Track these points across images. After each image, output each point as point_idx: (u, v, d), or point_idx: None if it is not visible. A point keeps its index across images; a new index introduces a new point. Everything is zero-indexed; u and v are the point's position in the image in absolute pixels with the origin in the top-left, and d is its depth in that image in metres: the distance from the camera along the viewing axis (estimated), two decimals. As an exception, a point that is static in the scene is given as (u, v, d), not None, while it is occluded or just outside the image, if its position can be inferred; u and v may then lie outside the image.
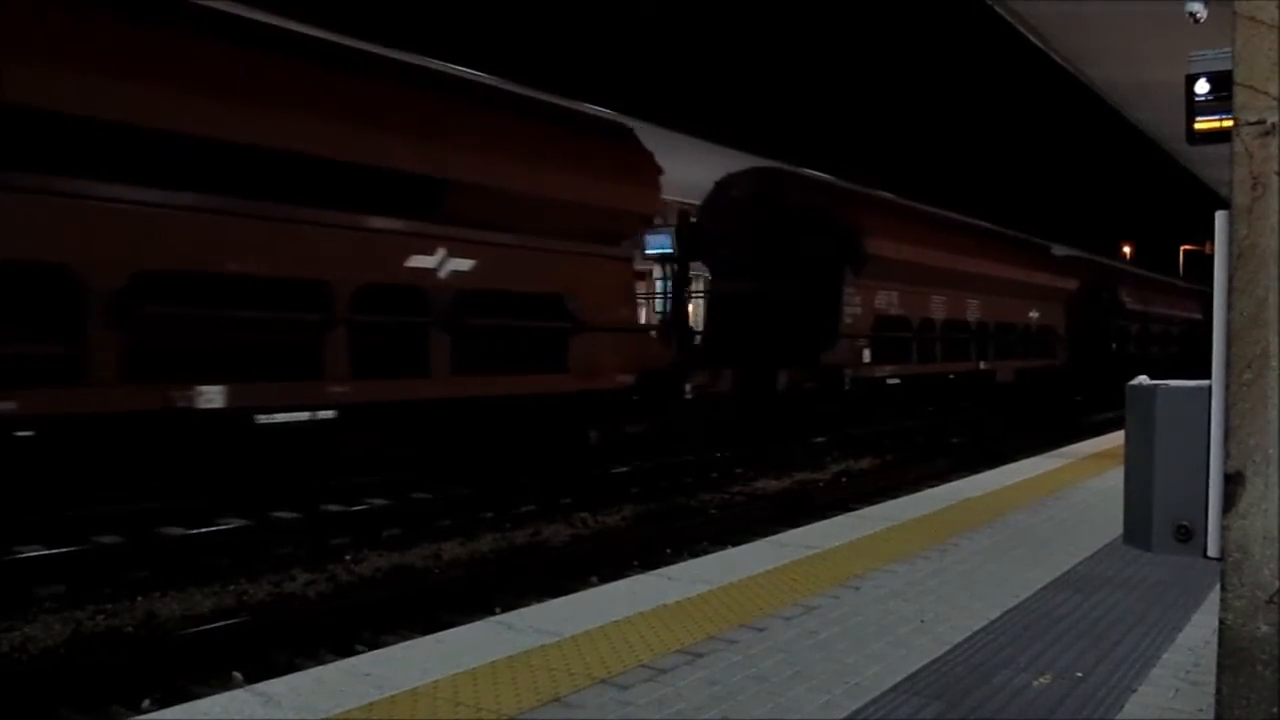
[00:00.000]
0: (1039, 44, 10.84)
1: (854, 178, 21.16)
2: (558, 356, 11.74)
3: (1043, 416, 23.02)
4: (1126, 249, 53.52)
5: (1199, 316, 41.93)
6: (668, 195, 14.33)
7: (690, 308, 18.25)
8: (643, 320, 16.37)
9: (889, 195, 21.62)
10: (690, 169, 16.70)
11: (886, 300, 18.02)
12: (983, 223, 24.98)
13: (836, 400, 16.82)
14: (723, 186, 17.71)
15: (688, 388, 14.38)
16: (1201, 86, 5.86)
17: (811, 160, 21.66)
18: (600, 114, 14.68)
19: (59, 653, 6.03)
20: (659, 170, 13.19)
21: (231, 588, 7.42)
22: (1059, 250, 30.16)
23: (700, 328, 18.07)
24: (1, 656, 5.95)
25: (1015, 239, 25.65)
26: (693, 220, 17.15)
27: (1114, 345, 30.21)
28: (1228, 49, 2.25)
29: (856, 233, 16.87)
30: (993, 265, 22.06)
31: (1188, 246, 52.87)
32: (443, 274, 10.33)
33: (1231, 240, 2.20)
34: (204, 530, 8.37)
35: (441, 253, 10.29)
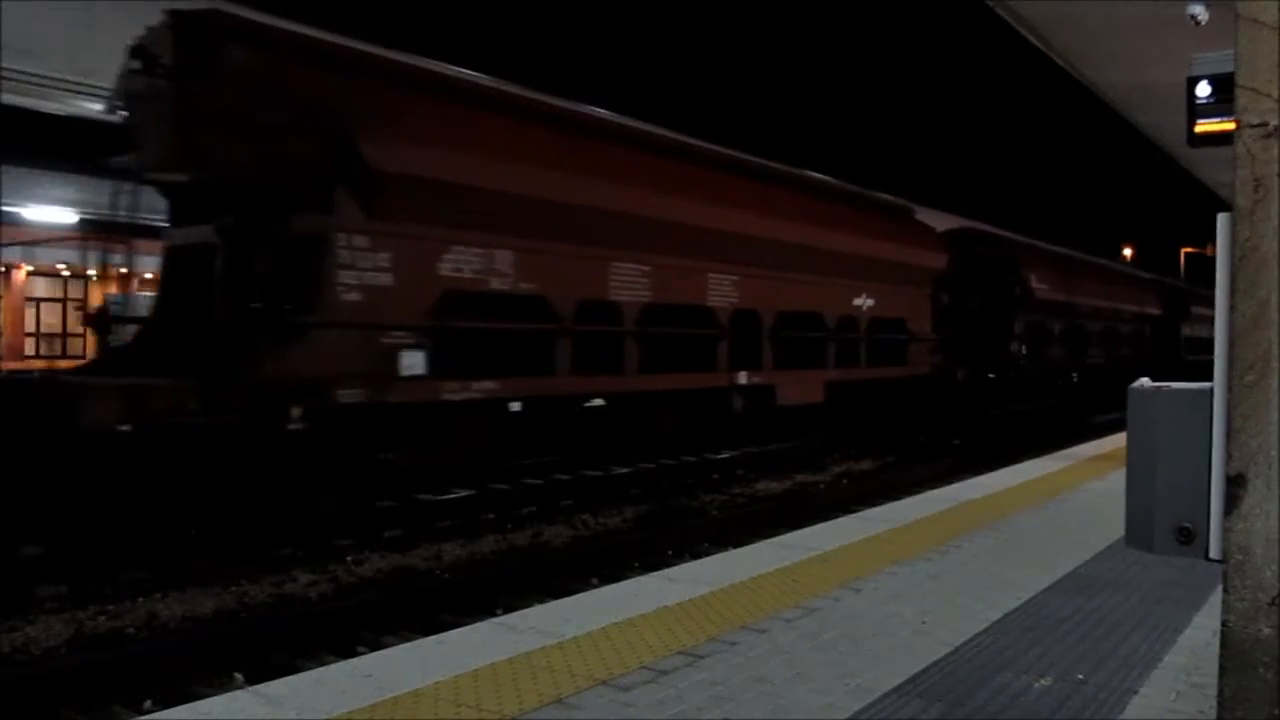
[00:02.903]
0: (1040, 46, 10.85)
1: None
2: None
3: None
4: (1127, 251, 53.49)
5: (1157, 312, 36.30)
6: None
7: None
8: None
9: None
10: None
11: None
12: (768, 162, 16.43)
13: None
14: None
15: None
16: (1203, 89, 5.88)
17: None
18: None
19: (60, 653, 6.04)
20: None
21: (233, 588, 7.43)
22: (931, 217, 21.85)
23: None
24: (3, 657, 5.95)
25: (826, 186, 17.71)
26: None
27: (1021, 348, 23.08)
28: (1229, 51, 2.25)
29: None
30: (762, 220, 14.09)
31: (1189, 249, 52.87)
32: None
33: (1233, 242, 2.20)
34: (204, 532, 8.37)
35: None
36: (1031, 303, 23.56)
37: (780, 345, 14.44)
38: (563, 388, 10.93)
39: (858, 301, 16.81)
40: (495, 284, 9.97)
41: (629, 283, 11.83)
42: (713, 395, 13.27)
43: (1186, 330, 39.35)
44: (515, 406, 10.22)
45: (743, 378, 13.62)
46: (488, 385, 9.86)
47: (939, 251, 19.90)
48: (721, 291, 13.32)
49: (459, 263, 9.62)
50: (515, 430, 10.49)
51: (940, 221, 22.54)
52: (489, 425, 10.13)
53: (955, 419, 20.10)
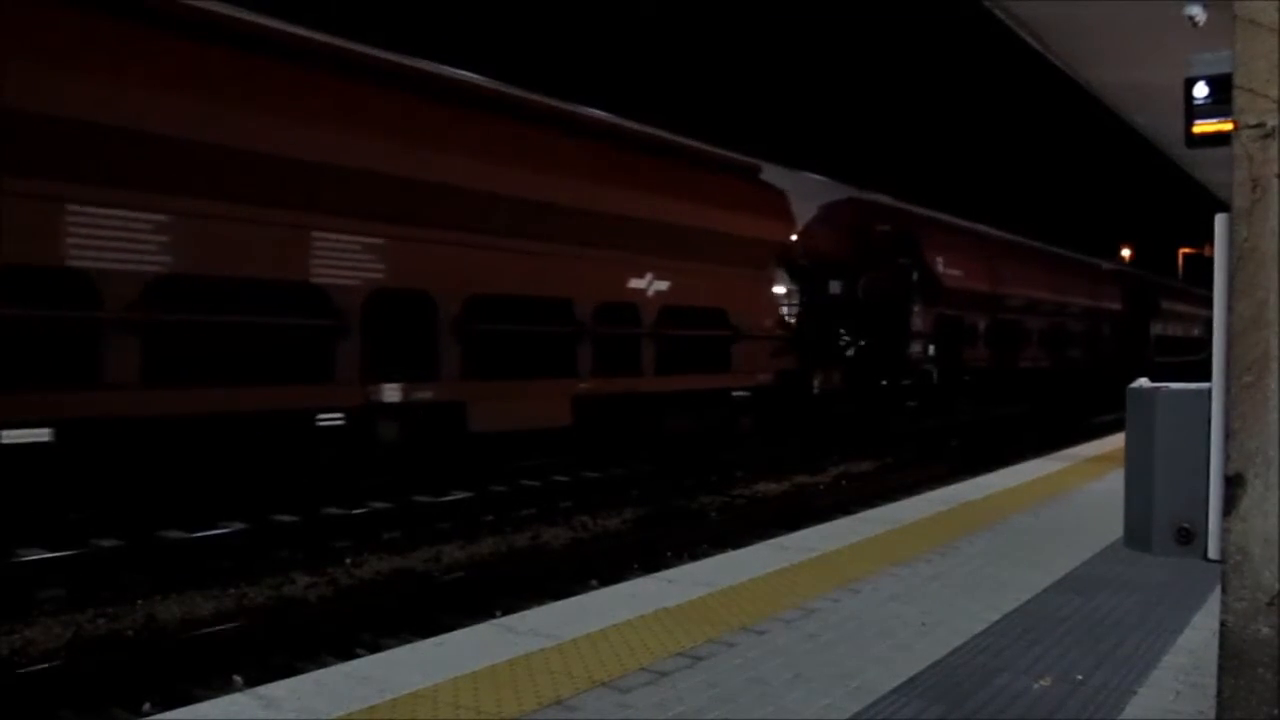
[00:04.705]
0: (1037, 46, 10.85)
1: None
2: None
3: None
4: (1126, 252, 53.49)
5: (1119, 307, 31.71)
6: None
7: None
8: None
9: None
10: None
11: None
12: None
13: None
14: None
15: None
16: (1200, 90, 5.88)
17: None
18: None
19: (60, 656, 6.03)
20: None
21: (231, 591, 7.42)
22: (805, 183, 17.39)
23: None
24: (2, 659, 5.94)
25: (597, 124, 12.49)
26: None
27: (926, 348, 18.59)
28: (1226, 52, 2.26)
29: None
30: (440, 158, 10.04)
31: (1187, 249, 52.87)
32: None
33: (1231, 243, 2.20)
34: (204, 534, 8.37)
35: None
36: (940, 292, 18.86)
37: (477, 344, 10.30)
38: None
39: (638, 284, 12.36)
40: None
41: (119, 243, 7.45)
42: (312, 423, 8.86)
43: (1158, 329, 35.41)
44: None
45: (392, 393, 9.37)
46: None
47: (784, 222, 15.23)
48: (343, 262, 9.01)
49: None
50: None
51: (821, 190, 18.18)
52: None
53: (821, 436, 15.83)
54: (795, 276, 16.21)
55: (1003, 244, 24.56)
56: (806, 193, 17.27)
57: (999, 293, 22.10)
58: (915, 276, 18.28)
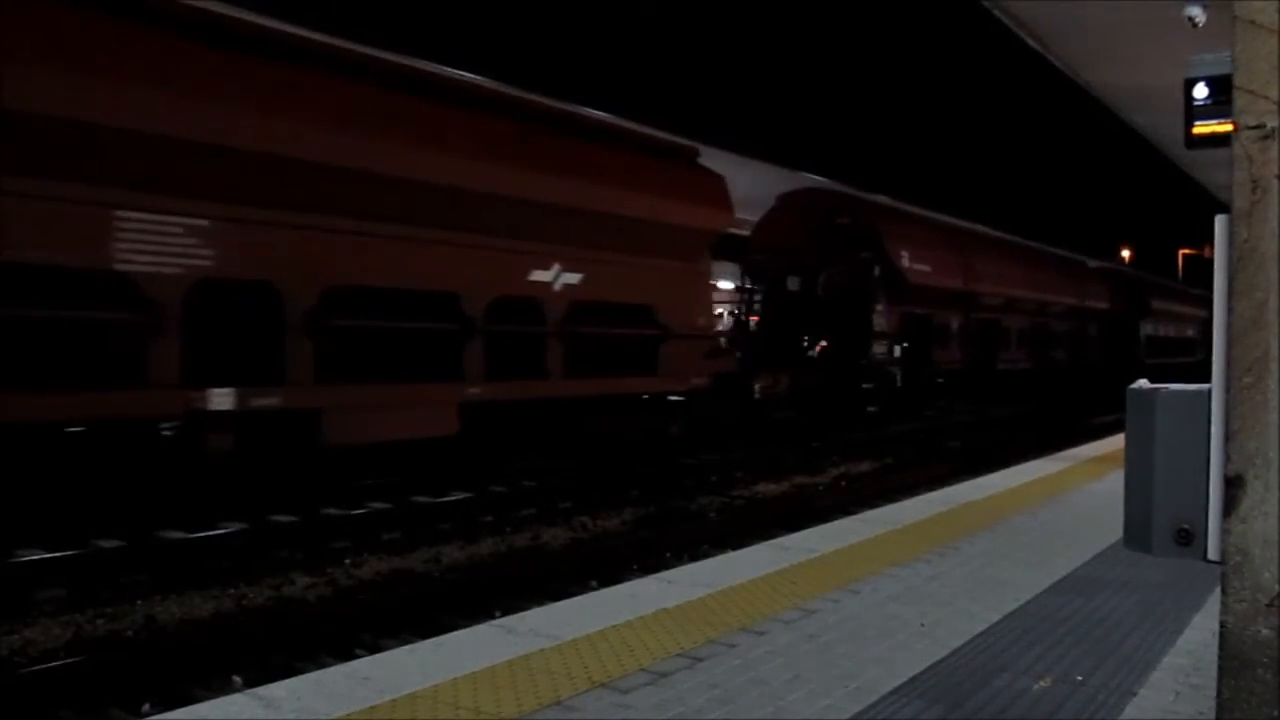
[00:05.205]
0: (1037, 48, 10.85)
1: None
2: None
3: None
4: (1126, 252, 53.51)
5: (1106, 306, 29.82)
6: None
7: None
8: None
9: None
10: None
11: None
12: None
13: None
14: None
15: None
16: (1200, 90, 5.88)
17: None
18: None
19: (59, 656, 6.03)
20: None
21: (231, 591, 7.42)
22: (760, 171, 16.55)
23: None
24: (2, 660, 5.94)
25: (494, 97, 11.34)
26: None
27: (892, 349, 17.43)
28: (1226, 52, 2.26)
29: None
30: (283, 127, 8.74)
31: (1187, 250, 52.91)
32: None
33: (1231, 244, 2.20)
34: (203, 534, 8.37)
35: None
36: (906, 289, 17.60)
37: (336, 343, 9.05)
38: None
39: (542, 276, 11.03)
40: None
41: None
42: (125, 432, 7.73)
43: (1149, 329, 33.79)
44: None
45: (222, 400, 8.16)
46: None
47: (720, 210, 13.69)
48: (158, 247, 7.82)
49: None
50: None
51: (781, 180, 17.29)
52: None
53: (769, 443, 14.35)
54: (751, 272, 15.28)
55: (979, 239, 23.14)
56: (764, 182, 16.28)
57: (974, 290, 20.78)
58: (877, 272, 17.03)
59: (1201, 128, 5.74)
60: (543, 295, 11.15)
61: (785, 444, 15.35)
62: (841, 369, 16.56)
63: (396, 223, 9.48)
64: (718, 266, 14.53)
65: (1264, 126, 2.14)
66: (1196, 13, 8.08)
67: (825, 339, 16.33)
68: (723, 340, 14.42)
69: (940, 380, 20.07)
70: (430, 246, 9.84)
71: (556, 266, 11.16)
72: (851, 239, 16.73)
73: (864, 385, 17.09)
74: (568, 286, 11.34)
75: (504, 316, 10.66)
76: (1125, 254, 53.23)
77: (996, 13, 9.65)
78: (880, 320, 17.21)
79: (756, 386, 14.75)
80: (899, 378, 17.62)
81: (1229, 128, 2.20)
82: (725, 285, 15.01)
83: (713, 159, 14.31)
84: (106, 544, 7.95)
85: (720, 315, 14.83)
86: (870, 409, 17.36)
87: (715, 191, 13.61)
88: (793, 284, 15.82)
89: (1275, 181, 2.13)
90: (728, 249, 14.68)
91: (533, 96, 12.17)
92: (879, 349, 17.25)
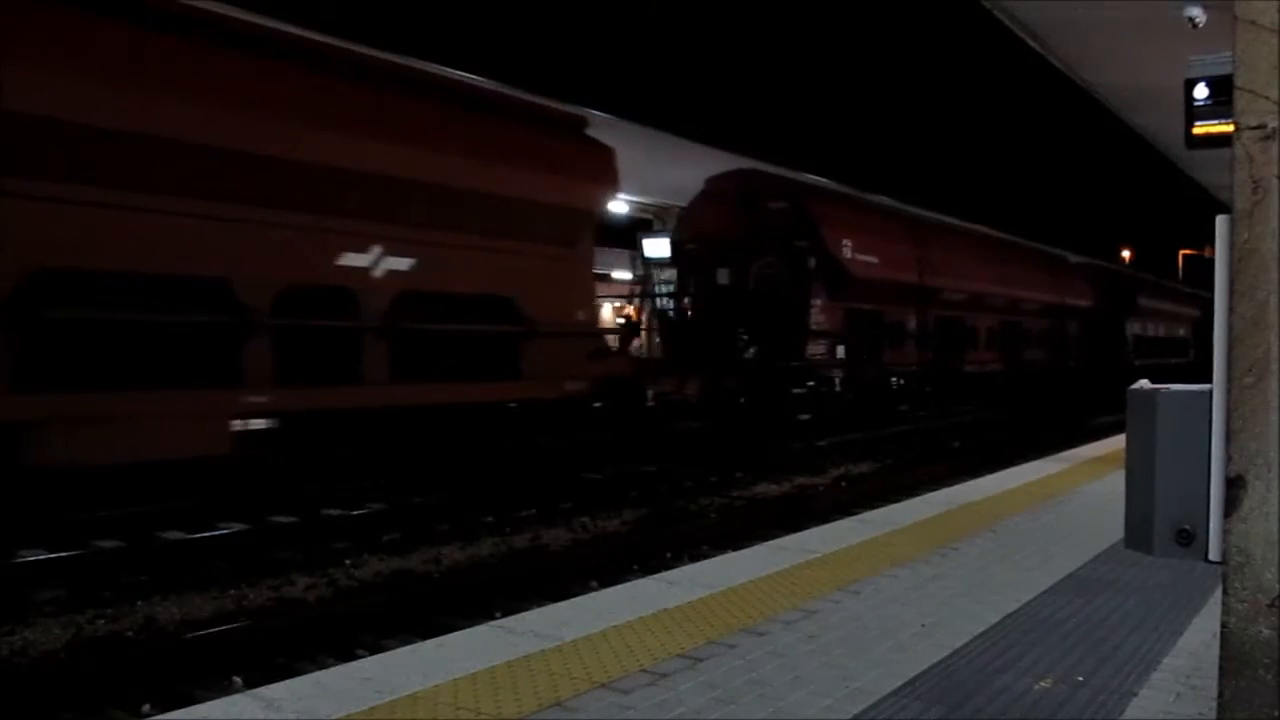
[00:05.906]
0: (1038, 49, 10.86)
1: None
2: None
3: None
4: (1126, 253, 53.51)
5: (1088, 304, 28.25)
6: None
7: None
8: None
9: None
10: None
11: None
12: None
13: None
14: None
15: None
16: (1200, 91, 5.89)
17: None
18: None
19: (59, 657, 6.03)
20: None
21: (231, 592, 7.42)
22: (688, 151, 14.94)
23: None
24: (2, 660, 5.94)
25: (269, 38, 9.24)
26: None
27: (834, 348, 15.96)
28: (1226, 53, 2.26)
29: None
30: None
31: (1187, 251, 52.90)
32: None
33: (1232, 244, 2.20)
34: (203, 535, 8.37)
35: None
36: (848, 282, 15.84)
37: (46, 341, 7.31)
38: None
39: (357, 261, 9.15)
40: None
41: None
42: None
43: (1136, 328, 32.40)
44: None
45: None
46: None
47: (604, 186, 11.83)
48: None
49: None
50: None
51: (708, 160, 15.64)
52: None
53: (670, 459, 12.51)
54: (678, 263, 13.87)
55: (939, 229, 21.01)
56: (690, 162, 14.78)
57: (932, 284, 18.87)
58: (813, 263, 15.20)
59: (1202, 128, 5.75)
60: (359, 284, 9.20)
61: (787, 445, 15.27)
62: (767, 372, 14.92)
63: (143, 192, 7.56)
64: (613, 255, 12.62)
65: (1265, 127, 2.14)
66: (1196, 13, 8.09)
67: (754, 338, 14.78)
68: (610, 340, 12.64)
69: (900, 382, 18.79)
70: (193, 222, 7.85)
71: (377, 249, 9.24)
72: (786, 226, 15.13)
73: (794, 390, 15.44)
74: (394, 274, 9.43)
75: (302, 309, 8.74)
76: (1125, 254, 53.25)
77: (996, 13, 9.66)
78: (818, 317, 15.59)
79: (650, 392, 13.23)
80: (839, 381, 16.25)
81: (1229, 128, 2.20)
82: (621, 275, 13.09)
83: (612, 132, 12.43)
84: (106, 544, 7.96)
85: (624, 310, 12.98)
86: (803, 416, 15.72)
87: (600, 166, 11.63)
88: (723, 277, 14.44)
89: (1276, 182, 2.13)
90: (621, 233, 12.86)
91: (353, 46, 10.49)
92: (816, 349, 15.73)
